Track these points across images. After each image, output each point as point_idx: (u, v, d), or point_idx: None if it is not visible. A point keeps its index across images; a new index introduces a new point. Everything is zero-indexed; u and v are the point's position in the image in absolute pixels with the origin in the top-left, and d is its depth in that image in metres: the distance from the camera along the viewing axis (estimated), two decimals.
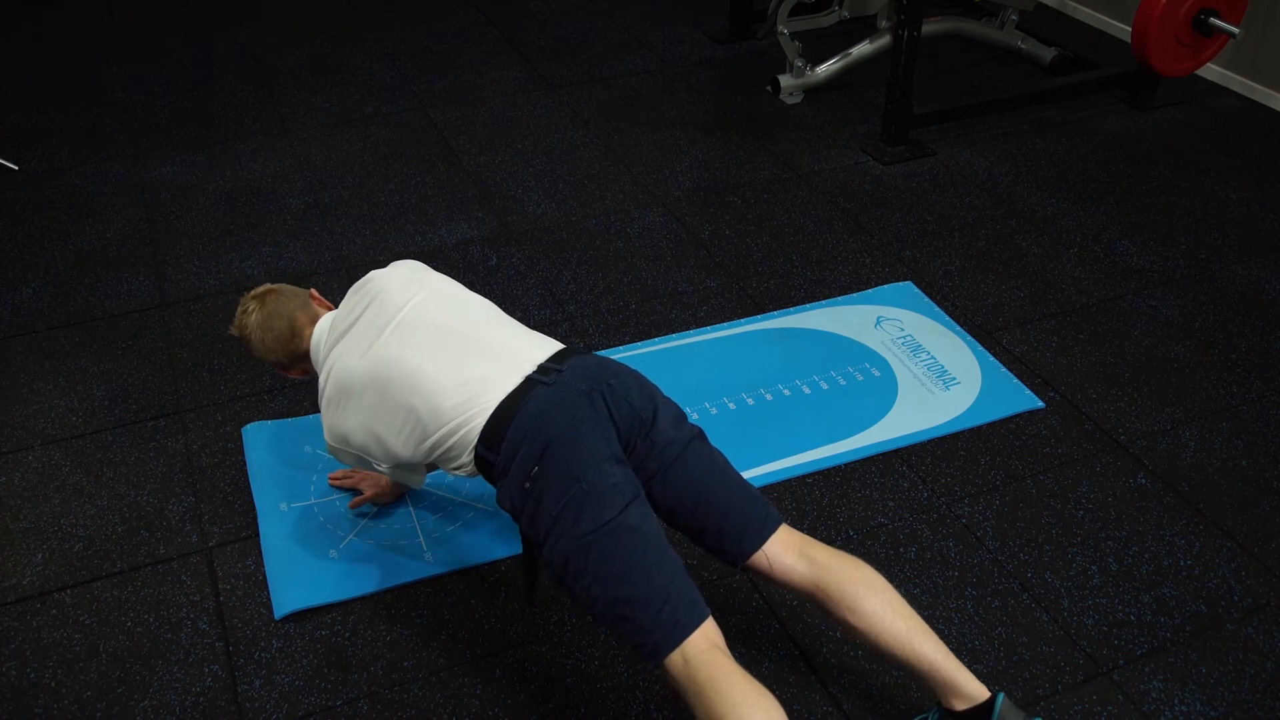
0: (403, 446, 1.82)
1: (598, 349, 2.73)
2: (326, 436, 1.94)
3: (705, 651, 1.56)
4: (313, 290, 2.12)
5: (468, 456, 1.76)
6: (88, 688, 1.92)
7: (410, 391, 1.79)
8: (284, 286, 2.11)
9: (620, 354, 2.71)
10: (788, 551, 1.75)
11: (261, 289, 2.10)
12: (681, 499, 1.75)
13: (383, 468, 1.91)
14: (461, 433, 1.75)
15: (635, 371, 1.83)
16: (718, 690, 1.52)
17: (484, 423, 1.73)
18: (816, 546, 1.77)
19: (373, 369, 1.83)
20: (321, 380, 1.93)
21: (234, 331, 2.10)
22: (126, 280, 3.04)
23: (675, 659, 1.56)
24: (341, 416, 1.88)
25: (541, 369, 1.77)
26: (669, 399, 1.84)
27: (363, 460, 1.93)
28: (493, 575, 2.13)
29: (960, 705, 1.67)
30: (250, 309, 2.07)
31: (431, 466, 1.94)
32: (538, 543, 1.68)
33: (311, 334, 2.02)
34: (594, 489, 1.63)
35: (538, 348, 1.84)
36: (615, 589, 1.60)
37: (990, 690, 1.68)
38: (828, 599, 1.72)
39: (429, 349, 1.82)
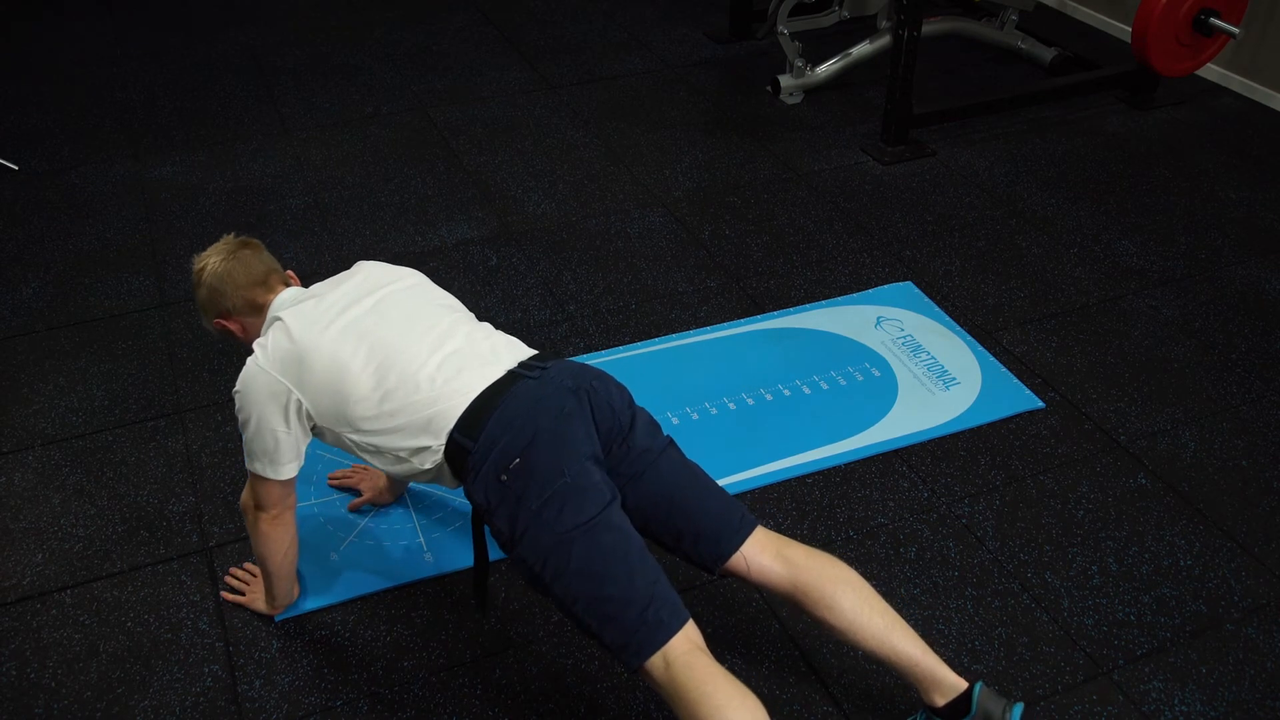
0: (363, 383, 1.71)
1: (598, 349, 2.73)
2: (254, 360, 1.77)
3: (687, 653, 1.55)
4: (290, 271, 2.00)
5: (439, 441, 1.69)
6: (88, 688, 1.92)
7: (386, 362, 1.72)
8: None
9: (620, 354, 2.71)
10: (764, 552, 1.74)
11: (246, 238, 1.96)
12: (657, 503, 1.74)
13: (291, 424, 1.76)
14: (434, 411, 1.69)
15: (613, 377, 1.81)
16: (701, 692, 1.51)
17: (464, 408, 1.68)
18: (793, 547, 1.76)
19: (348, 330, 1.75)
20: (284, 315, 1.80)
21: (197, 261, 1.92)
22: (126, 280, 3.04)
23: (657, 661, 1.55)
24: (298, 335, 1.75)
25: (524, 365, 1.76)
26: (643, 408, 1.82)
27: (281, 394, 1.74)
28: (493, 575, 2.13)
29: (940, 699, 1.68)
30: (229, 245, 1.92)
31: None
32: (514, 540, 1.63)
33: (278, 293, 1.89)
34: (578, 484, 1.62)
35: (516, 348, 1.83)
36: (598, 587, 1.58)
37: (968, 681, 1.69)
38: (805, 598, 1.72)
39: (410, 329, 1.77)
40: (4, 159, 3.62)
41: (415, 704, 1.89)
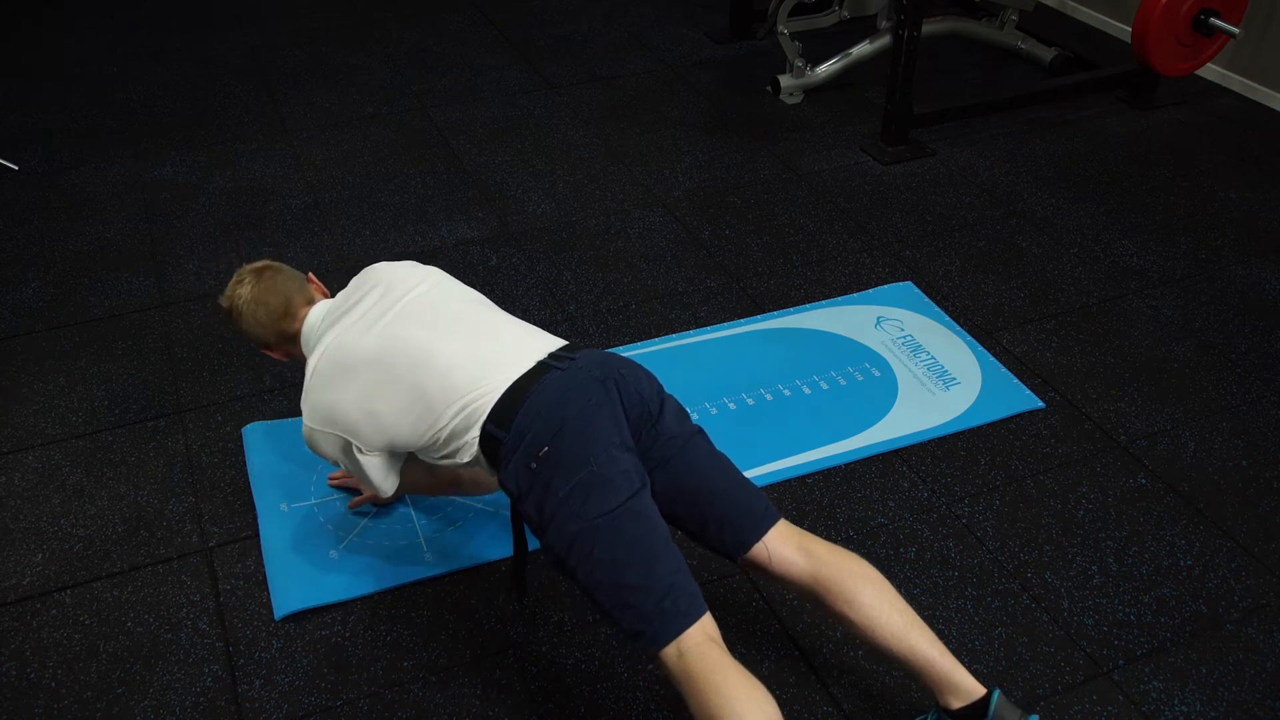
0: (402, 424, 1.79)
1: (597, 349, 2.73)
2: (307, 418, 1.89)
3: (701, 644, 1.56)
4: (310, 274, 2.09)
5: (474, 434, 1.74)
6: (88, 688, 1.92)
7: (420, 368, 1.78)
8: (283, 265, 2.07)
9: (620, 354, 2.70)
10: (786, 545, 1.75)
11: (260, 263, 2.06)
12: (683, 489, 1.76)
13: (364, 457, 1.87)
14: (471, 408, 1.74)
15: (642, 366, 1.84)
16: (711, 683, 1.52)
17: (496, 400, 1.72)
18: (815, 541, 1.77)
19: (379, 346, 1.82)
20: (312, 360, 1.89)
21: (223, 302, 2.05)
22: (126, 280, 3.04)
23: (670, 651, 1.57)
24: (333, 393, 1.84)
25: (554, 355, 1.79)
26: (672, 396, 1.85)
27: (341, 443, 1.88)
28: (493, 575, 2.13)
29: (956, 702, 1.68)
30: (245, 280, 2.02)
31: (418, 477, 1.95)
32: (542, 525, 1.67)
33: (306, 316, 1.99)
34: (604, 473, 1.64)
35: (547, 339, 1.86)
36: (619, 575, 1.60)
37: (986, 687, 1.68)
38: (826, 593, 1.72)
39: (439, 330, 1.82)
40: (4, 159, 3.62)
41: (415, 704, 1.89)
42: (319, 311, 1.97)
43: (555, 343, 1.85)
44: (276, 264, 2.07)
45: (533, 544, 2.00)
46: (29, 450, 2.45)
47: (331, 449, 1.91)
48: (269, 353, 2.07)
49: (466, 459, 1.79)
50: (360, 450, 1.88)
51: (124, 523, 2.26)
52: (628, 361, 1.83)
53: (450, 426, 1.76)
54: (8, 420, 2.54)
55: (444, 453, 1.81)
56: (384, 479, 1.95)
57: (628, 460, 1.68)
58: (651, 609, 1.58)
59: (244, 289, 2.01)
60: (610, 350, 2.71)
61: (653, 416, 1.77)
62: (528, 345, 1.82)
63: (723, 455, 1.84)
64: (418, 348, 1.79)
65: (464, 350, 1.78)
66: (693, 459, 1.78)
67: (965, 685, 1.68)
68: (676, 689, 1.58)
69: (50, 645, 2.00)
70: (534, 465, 1.66)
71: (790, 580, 1.76)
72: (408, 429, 1.80)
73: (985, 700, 1.66)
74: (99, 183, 3.52)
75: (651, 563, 1.61)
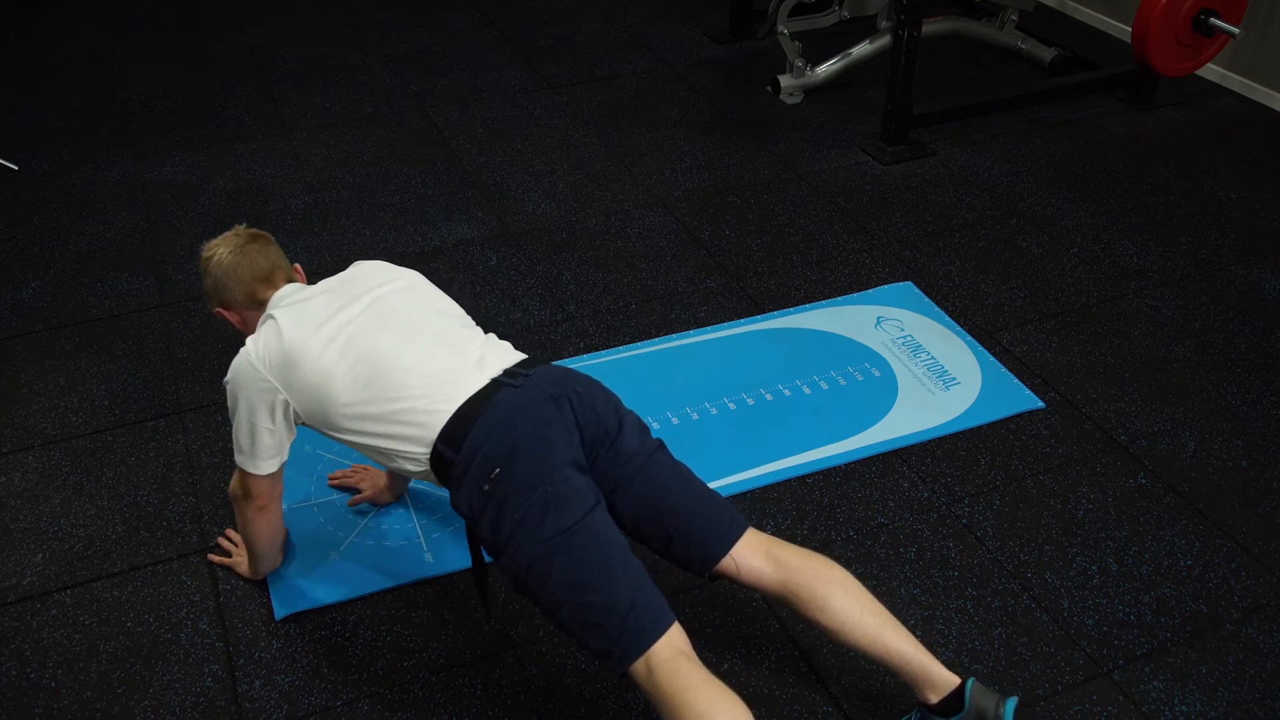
0: (350, 388, 1.72)
1: (598, 349, 2.73)
2: (251, 356, 1.79)
3: (670, 660, 1.55)
4: (297, 265, 2.03)
5: (422, 450, 1.71)
6: (88, 688, 1.92)
7: (372, 364, 1.73)
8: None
9: (620, 354, 2.71)
10: (755, 554, 1.74)
11: (258, 231, 1.99)
12: (647, 507, 1.74)
13: (273, 422, 1.79)
14: (419, 425, 1.70)
15: (599, 382, 1.81)
16: (682, 699, 1.51)
17: (446, 419, 1.69)
18: (784, 548, 1.76)
19: (336, 335, 1.77)
20: (274, 312, 1.83)
21: (206, 249, 1.96)
22: (126, 280, 3.04)
23: (639, 667, 1.55)
24: (283, 328, 1.77)
25: (508, 373, 1.75)
26: (632, 411, 1.82)
27: (266, 394, 1.78)
28: (492, 575, 2.13)
29: (934, 696, 1.68)
30: (240, 235, 1.96)
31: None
32: (498, 548, 1.64)
33: (279, 289, 1.91)
34: (558, 492, 1.62)
35: (504, 354, 1.82)
36: (580, 595, 1.59)
37: (960, 677, 1.69)
38: (797, 599, 1.71)
39: (397, 334, 1.78)
40: (4, 159, 3.62)
41: (415, 704, 1.89)
42: (290, 288, 1.90)
43: (512, 358, 1.81)
44: (271, 239, 2.00)
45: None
46: (29, 450, 2.45)
47: (249, 396, 1.80)
48: (225, 313, 1.95)
49: (411, 469, 1.76)
50: (283, 409, 1.78)
51: (124, 523, 2.26)
52: (584, 378, 1.80)
53: (396, 426, 1.71)
54: (8, 420, 2.54)
55: (383, 453, 1.76)
56: (267, 452, 1.83)
57: (580, 479, 1.66)
58: (615, 627, 1.56)
59: (236, 241, 1.94)
60: (609, 351, 2.72)
61: (610, 434, 1.73)
62: (484, 362, 1.77)
63: (685, 468, 1.81)
64: (373, 347, 1.75)
65: (419, 362, 1.74)
66: (654, 476, 1.75)
67: (941, 678, 1.68)
68: (649, 703, 1.57)
69: (50, 645, 2.00)
70: (487, 487, 1.64)
71: (761, 589, 1.75)
72: (350, 396, 1.72)
73: (960, 690, 1.66)
74: (99, 183, 3.52)
75: (612, 580, 1.59)
